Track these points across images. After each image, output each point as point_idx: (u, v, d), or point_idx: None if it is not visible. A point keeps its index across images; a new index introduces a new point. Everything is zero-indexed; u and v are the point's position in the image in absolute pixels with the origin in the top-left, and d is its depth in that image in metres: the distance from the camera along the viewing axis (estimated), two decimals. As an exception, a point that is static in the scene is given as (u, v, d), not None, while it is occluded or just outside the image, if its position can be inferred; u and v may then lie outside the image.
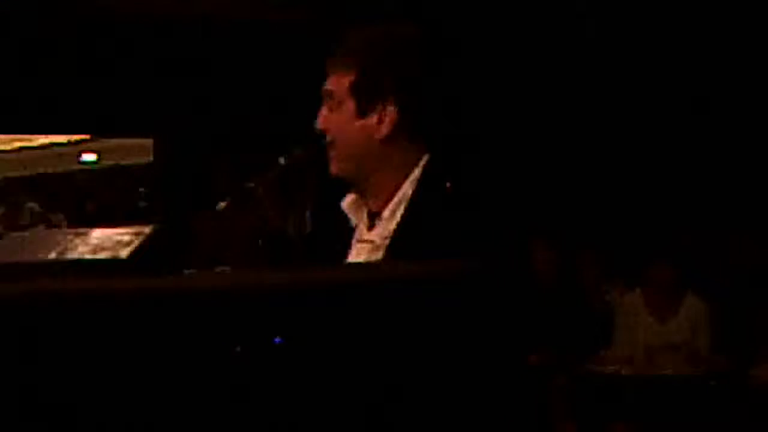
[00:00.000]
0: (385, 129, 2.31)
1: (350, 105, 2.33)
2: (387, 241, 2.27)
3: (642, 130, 7.67)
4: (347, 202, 2.40)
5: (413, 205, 2.28)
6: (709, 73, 7.39)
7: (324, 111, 2.37)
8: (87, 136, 10.45)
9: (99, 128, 9.05)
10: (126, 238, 1.73)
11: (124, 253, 1.70)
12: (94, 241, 1.75)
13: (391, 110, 2.31)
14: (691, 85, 7.47)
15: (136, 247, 1.71)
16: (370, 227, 2.36)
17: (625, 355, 6.43)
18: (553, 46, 7.59)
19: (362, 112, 2.32)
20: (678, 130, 7.58)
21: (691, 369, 6.26)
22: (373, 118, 2.32)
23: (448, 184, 2.28)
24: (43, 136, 10.38)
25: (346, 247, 2.37)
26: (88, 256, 1.71)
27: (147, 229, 1.74)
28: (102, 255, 1.71)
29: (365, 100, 2.31)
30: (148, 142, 8.96)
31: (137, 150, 9.67)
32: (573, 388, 6.27)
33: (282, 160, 2.38)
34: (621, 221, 7.40)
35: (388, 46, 2.34)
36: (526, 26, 7.52)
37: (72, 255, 1.73)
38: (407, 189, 2.30)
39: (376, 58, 2.32)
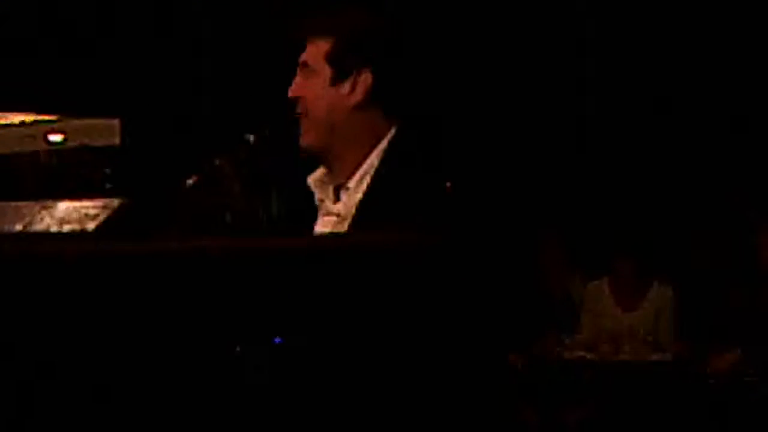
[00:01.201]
0: (358, 96, 2.33)
1: (325, 72, 2.34)
2: (352, 213, 2.28)
3: (618, 127, 7.65)
4: (314, 177, 2.40)
5: (379, 177, 2.29)
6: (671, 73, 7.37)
7: (298, 80, 2.38)
8: (53, 117, 10.34)
9: (66, 108, 8.96)
10: (93, 211, 1.72)
11: (91, 226, 1.69)
12: (61, 214, 1.74)
13: (365, 77, 2.32)
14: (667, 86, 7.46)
15: (103, 221, 1.69)
16: (336, 201, 2.36)
17: (589, 342, 6.46)
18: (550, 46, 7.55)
19: (336, 80, 2.33)
20: (656, 127, 7.57)
21: (654, 356, 6.30)
22: (346, 86, 2.33)
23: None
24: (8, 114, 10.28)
25: (313, 222, 2.37)
26: (54, 229, 1.70)
27: (114, 203, 1.73)
28: (68, 228, 1.70)
29: (340, 68, 2.33)
30: (115, 123, 8.88)
31: (104, 131, 9.58)
32: (533, 373, 6.29)
33: (250, 138, 2.37)
34: (586, 214, 7.40)
35: (366, 15, 2.36)
36: (525, 25, 7.48)
37: (38, 227, 1.72)
38: (374, 160, 2.31)
39: (353, 26, 2.35)
